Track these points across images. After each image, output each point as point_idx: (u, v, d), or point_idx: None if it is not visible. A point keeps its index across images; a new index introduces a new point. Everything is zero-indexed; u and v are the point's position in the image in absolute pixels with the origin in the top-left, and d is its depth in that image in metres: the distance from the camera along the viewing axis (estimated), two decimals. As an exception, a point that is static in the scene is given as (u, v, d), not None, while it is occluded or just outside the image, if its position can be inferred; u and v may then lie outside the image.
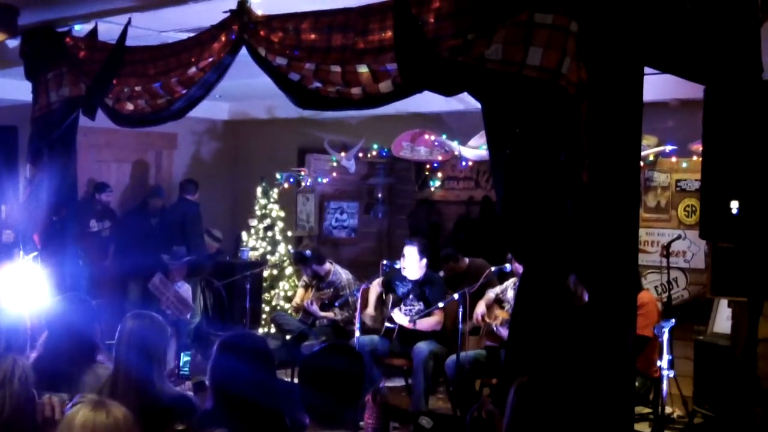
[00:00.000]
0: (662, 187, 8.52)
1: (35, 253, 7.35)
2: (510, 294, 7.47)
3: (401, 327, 7.85)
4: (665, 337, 6.21)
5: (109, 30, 6.61)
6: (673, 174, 8.48)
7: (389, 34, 4.77)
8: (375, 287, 8.30)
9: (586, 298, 4.32)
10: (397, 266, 8.02)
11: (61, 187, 7.24)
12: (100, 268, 10.36)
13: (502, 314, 7.48)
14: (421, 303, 7.86)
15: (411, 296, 7.95)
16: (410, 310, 7.87)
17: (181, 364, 5.20)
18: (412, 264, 7.91)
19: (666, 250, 7.46)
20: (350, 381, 3.27)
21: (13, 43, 7.24)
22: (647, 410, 6.96)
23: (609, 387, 4.34)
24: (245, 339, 4.01)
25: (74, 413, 2.91)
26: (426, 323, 7.77)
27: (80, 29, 6.94)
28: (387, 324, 8.01)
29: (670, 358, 6.22)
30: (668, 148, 8.35)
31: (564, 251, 4.36)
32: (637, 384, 6.41)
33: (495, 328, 7.41)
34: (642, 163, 7.83)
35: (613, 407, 4.34)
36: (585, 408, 3.47)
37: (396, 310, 7.92)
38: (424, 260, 7.94)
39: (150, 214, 11.13)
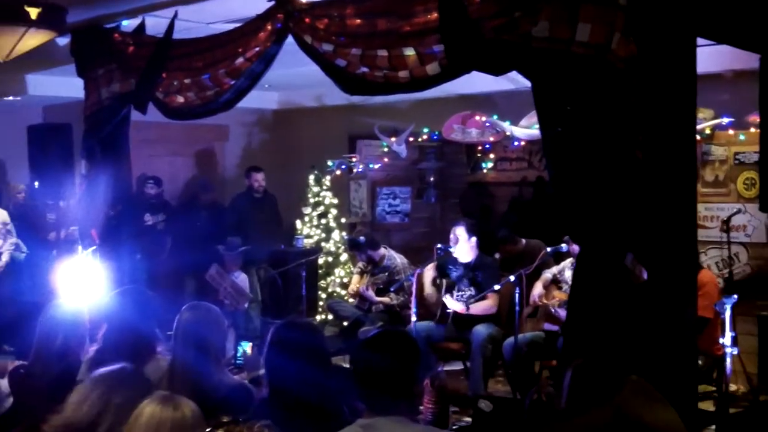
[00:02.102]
0: (720, 161, 8.37)
1: (94, 248, 7.45)
2: (567, 274, 7.40)
3: (456, 311, 7.82)
4: (727, 314, 6.08)
5: (156, 24, 6.65)
6: (730, 147, 8.32)
7: (434, 15, 4.74)
8: (429, 271, 8.27)
9: (644, 276, 4.25)
10: (451, 250, 7.99)
11: (116, 182, 7.33)
12: (158, 261, 10.45)
13: (560, 295, 7.41)
14: (473, 288, 7.81)
15: (464, 281, 7.90)
16: (462, 296, 7.82)
17: (237, 353, 5.24)
18: (462, 245, 7.89)
19: (726, 225, 7.33)
20: (404, 367, 3.24)
21: (64, 41, 7.31)
22: (711, 388, 6.86)
23: (671, 366, 4.28)
24: (296, 328, 4.00)
25: (142, 407, 2.90)
26: (479, 307, 7.72)
27: (128, 25, 7.00)
28: (445, 309, 7.97)
29: (733, 335, 6.10)
30: (725, 120, 8.19)
31: (620, 230, 4.30)
32: (699, 362, 6.31)
33: (553, 310, 7.35)
34: (698, 137, 7.70)
35: (676, 386, 4.27)
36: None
37: (447, 296, 7.88)
38: (474, 239, 7.91)
39: (200, 208, 11.20)
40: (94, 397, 3.27)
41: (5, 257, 10.17)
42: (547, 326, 7.45)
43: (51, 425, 3.28)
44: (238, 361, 5.31)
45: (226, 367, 4.68)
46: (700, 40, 4.37)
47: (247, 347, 6.07)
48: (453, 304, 7.81)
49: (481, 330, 7.56)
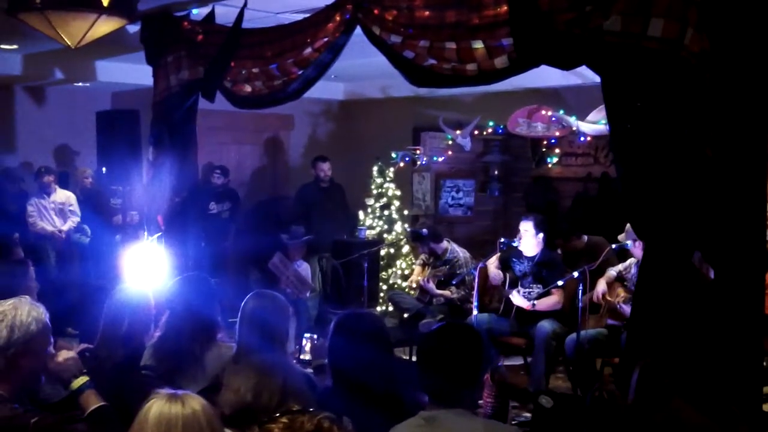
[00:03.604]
0: (791, 160, 8.19)
1: (159, 234, 7.53)
2: (634, 271, 7.31)
3: (520, 307, 7.77)
4: (796, 314, 5.97)
5: (225, 13, 6.71)
6: (802, 146, 8.13)
7: (504, 8, 4.70)
8: (493, 261, 8.21)
9: (711, 275, 4.19)
10: (515, 244, 7.94)
11: (182, 169, 7.40)
12: (222, 249, 10.54)
13: (625, 293, 7.33)
14: (540, 285, 7.75)
15: (529, 278, 7.85)
16: (529, 293, 7.76)
17: (302, 347, 5.25)
18: (528, 239, 7.83)
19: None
20: (468, 360, 3.24)
21: (134, 28, 7.41)
22: (776, 391, 6.74)
23: (736, 366, 4.22)
24: (360, 318, 4.01)
25: (148, 407, 2.78)
26: (545, 304, 7.67)
27: (198, 13, 7.06)
28: (509, 303, 7.91)
29: (802, 336, 5.99)
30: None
31: (688, 228, 4.24)
32: (765, 363, 6.20)
33: (618, 306, 7.27)
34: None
35: (741, 387, 4.21)
36: (711, 389, 3.37)
37: (514, 292, 7.82)
38: (541, 235, 7.84)
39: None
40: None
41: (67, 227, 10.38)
42: (611, 322, 7.38)
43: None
44: (302, 358, 5.30)
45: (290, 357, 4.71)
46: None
47: (308, 339, 6.09)
48: (519, 300, 7.76)
49: (545, 326, 7.50)
